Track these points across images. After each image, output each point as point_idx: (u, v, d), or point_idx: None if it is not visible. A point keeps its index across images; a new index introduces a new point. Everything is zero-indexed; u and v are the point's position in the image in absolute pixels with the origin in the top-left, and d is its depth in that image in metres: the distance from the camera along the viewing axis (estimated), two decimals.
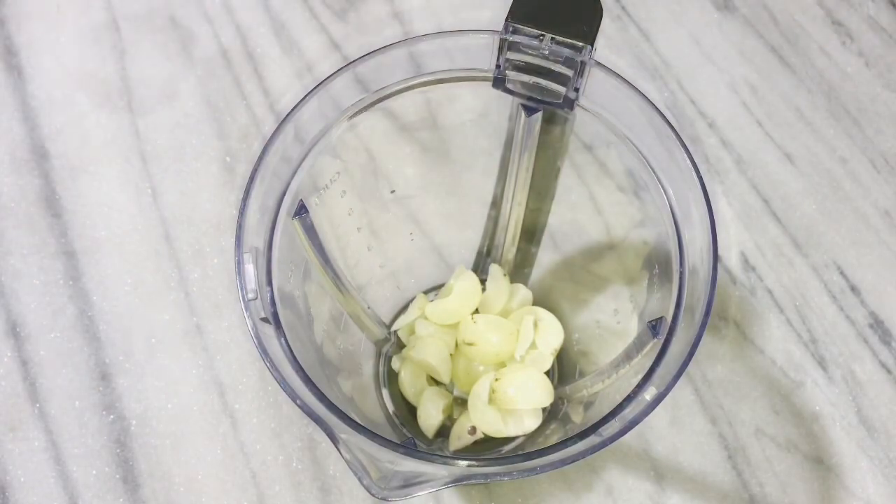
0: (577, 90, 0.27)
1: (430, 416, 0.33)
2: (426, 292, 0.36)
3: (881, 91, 0.43)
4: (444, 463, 0.23)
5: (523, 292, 0.36)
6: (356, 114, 0.28)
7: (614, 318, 0.32)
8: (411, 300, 0.36)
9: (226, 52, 0.43)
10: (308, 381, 0.24)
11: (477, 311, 0.34)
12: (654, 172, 0.27)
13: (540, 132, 0.29)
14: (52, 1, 0.45)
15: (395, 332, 0.35)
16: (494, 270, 0.35)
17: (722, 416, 0.35)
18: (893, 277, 0.38)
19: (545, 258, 0.36)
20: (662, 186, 0.27)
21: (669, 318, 0.25)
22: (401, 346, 0.35)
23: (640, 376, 0.24)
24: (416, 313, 0.35)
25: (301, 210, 0.27)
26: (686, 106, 0.42)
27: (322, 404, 0.23)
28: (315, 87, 0.27)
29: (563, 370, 0.35)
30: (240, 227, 0.25)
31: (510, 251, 0.35)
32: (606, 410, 0.24)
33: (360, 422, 0.23)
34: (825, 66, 0.44)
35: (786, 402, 0.36)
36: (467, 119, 0.32)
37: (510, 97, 0.28)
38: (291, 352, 0.25)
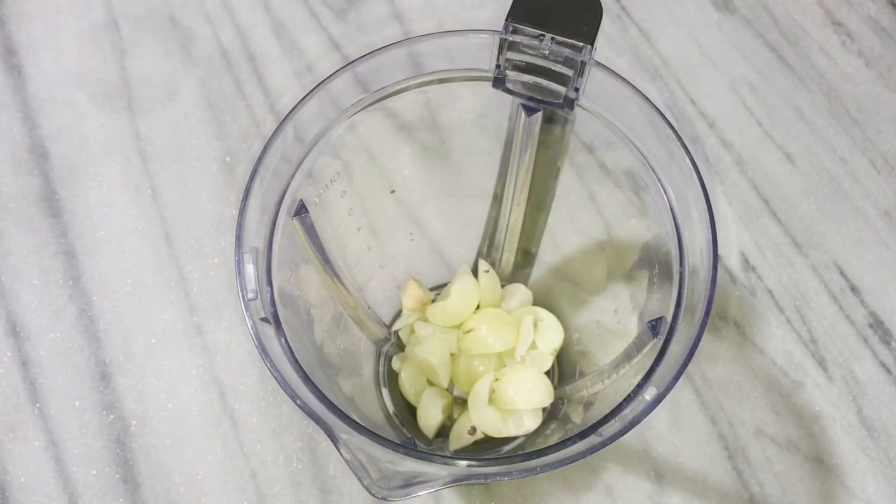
0: (577, 90, 0.27)
1: (430, 416, 0.33)
2: None
3: (881, 91, 0.43)
4: (444, 463, 0.23)
5: (523, 292, 0.36)
6: (356, 114, 0.28)
7: (614, 317, 0.32)
8: None
9: (226, 52, 0.43)
10: (308, 381, 0.24)
11: (478, 307, 0.34)
12: (654, 172, 0.27)
13: (540, 132, 0.29)
14: (52, 1, 0.45)
15: (396, 332, 0.35)
16: (480, 265, 0.35)
17: (722, 417, 0.35)
18: (893, 277, 0.38)
19: (545, 258, 0.36)
20: (662, 186, 0.27)
21: (669, 318, 0.25)
22: (401, 346, 0.35)
23: (640, 376, 0.24)
24: (416, 313, 0.35)
25: (301, 210, 0.27)
26: (686, 106, 0.42)
27: (322, 404, 0.23)
28: (315, 87, 0.27)
29: (563, 370, 0.35)
30: (240, 227, 0.25)
31: (510, 251, 0.35)
32: (606, 410, 0.24)
33: (360, 422, 0.23)
34: (825, 66, 0.44)
35: (786, 403, 0.36)
36: (467, 119, 0.32)
37: (510, 97, 0.28)
38: (291, 352, 0.25)
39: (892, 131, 0.42)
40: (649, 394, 0.23)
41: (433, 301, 0.35)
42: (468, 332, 0.33)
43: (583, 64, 0.26)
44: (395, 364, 0.35)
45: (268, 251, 0.26)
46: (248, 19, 0.44)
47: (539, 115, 0.28)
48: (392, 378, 0.35)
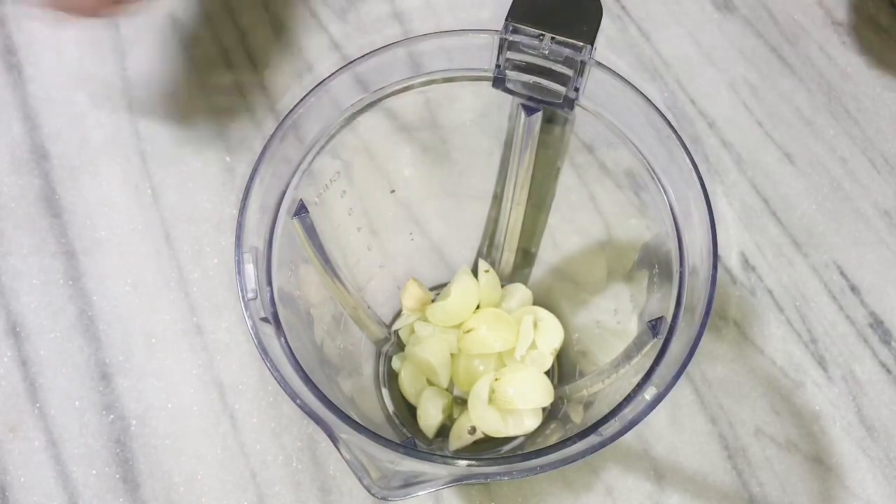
0: (577, 90, 0.27)
1: (430, 415, 0.33)
2: None
3: (881, 91, 0.43)
4: (444, 463, 0.23)
5: (523, 292, 0.36)
6: (356, 114, 0.28)
7: (614, 317, 0.32)
8: None
9: (226, 52, 0.43)
10: (308, 380, 0.24)
11: (478, 307, 0.34)
12: (654, 172, 0.27)
13: (540, 132, 0.29)
14: None
15: (396, 332, 0.35)
16: (480, 265, 0.35)
17: (722, 416, 0.35)
18: (893, 277, 0.38)
19: (545, 258, 0.36)
20: (662, 186, 0.27)
21: (669, 318, 0.25)
22: (401, 346, 0.35)
23: (639, 376, 0.24)
24: (416, 313, 0.35)
25: (301, 210, 0.27)
26: (686, 106, 0.42)
27: (322, 404, 0.23)
28: (315, 87, 0.27)
29: (562, 370, 0.35)
30: (240, 227, 0.25)
31: (510, 251, 0.35)
32: (606, 410, 0.24)
33: (360, 422, 0.23)
34: (825, 66, 0.44)
35: (786, 402, 0.36)
36: (467, 119, 0.32)
37: (510, 97, 0.28)
38: (291, 352, 0.25)
39: (892, 131, 0.42)
40: (649, 394, 0.23)
41: (433, 301, 0.35)
42: (468, 331, 0.33)
43: (583, 64, 0.26)
44: (395, 364, 0.35)
45: (268, 251, 0.26)
46: (248, 19, 0.44)
47: (539, 115, 0.28)
48: (392, 378, 0.35)
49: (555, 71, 0.26)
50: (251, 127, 0.41)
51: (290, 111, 0.26)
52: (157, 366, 0.36)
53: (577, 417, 0.31)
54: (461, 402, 0.34)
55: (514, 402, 0.31)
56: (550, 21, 0.26)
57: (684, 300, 0.25)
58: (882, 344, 0.37)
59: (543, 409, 0.33)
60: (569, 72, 0.26)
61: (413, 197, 0.35)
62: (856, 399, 0.36)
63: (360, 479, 0.22)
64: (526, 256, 0.36)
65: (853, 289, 0.38)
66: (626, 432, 0.23)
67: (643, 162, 0.28)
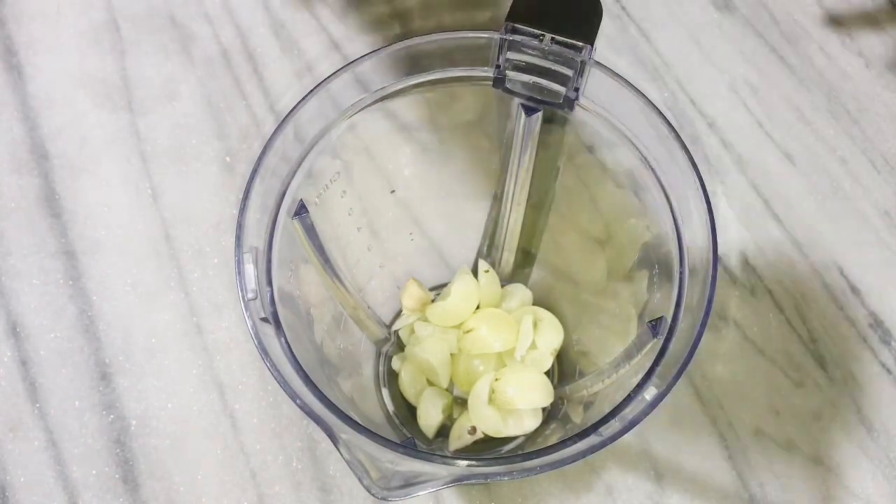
0: (577, 90, 0.27)
1: (430, 415, 0.33)
2: None
3: (881, 91, 0.43)
4: (444, 463, 0.23)
5: (523, 292, 0.36)
6: (356, 114, 0.28)
7: (614, 318, 0.32)
8: None
9: (226, 52, 0.43)
10: (308, 380, 0.24)
11: (478, 307, 0.34)
12: (654, 172, 0.27)
13: (540, 132, 0.29)
14: (52, 1, 0.45)
15: (396, 332, 0.35)
16: (480, 265, 0.35)
17: (722, 416, 0.35)
18: (893, 277, 0.38)
19: (545, 258, 0.36)
20: (662, 186, 0.27)
21: (669, 318, 0.25)
22: (401, 346, 0.35)
23: (640, 376, 0.24)
24: (416, 313, 0.35)
25: (301, 210, 0.27)
26: (686, 106, 0.42)
27: (322, 404, 0.23)
28: (315, 87, 0.27)
29: (562, 370, 0.35)
30: (240, 227, 0.25)
31: (510, 251, 0.35)
32: (606, 410, 0.24)
33: (360, 422, 0.23)
34: (825, 66, 0.44)
35: (786, 403, 0.36)
36: (467, 119, 0.32)
37: (510, 97, 0.28)
38: (291, 352, 0.25)
39: (892, 131, 0.42)
40: (649, 394, 0.23)
41: (433, 301, 0.35)
42: (468, 332, 0.33)
43: (583, 64, 0.26)
44: (395, 364, 0.35)
45: (268, 251, 0.26)
46: (248, 19, 0.44)
47: (539, 115, 0.28)
48: (392, 378, 0.35)
49: (555, 71, 0.27)
50: (251, 127, 0.41)
51: (290, 111, 0.26)
52: (157, 366, 0.36)
53: (577, 417, 0.31)
54: (461, 402, 0.34)
55: (514, 402, 0.31)
56: (550, 21, 0.26)
57: (684, 300, 0.25)
58: (882, 344, 0.37)
59: (543, 409, 0.33)
60: (569, 72, 0.26)
61: (413, 197, 0.35)
62: (856, 399, 0.36)
63: (360, 479, 0.22)
64: (526, 256, 0.36)
65: (853, 289, 0.38)
66: (626, 432, 0.23)
67: (643, 162, 0.28)
